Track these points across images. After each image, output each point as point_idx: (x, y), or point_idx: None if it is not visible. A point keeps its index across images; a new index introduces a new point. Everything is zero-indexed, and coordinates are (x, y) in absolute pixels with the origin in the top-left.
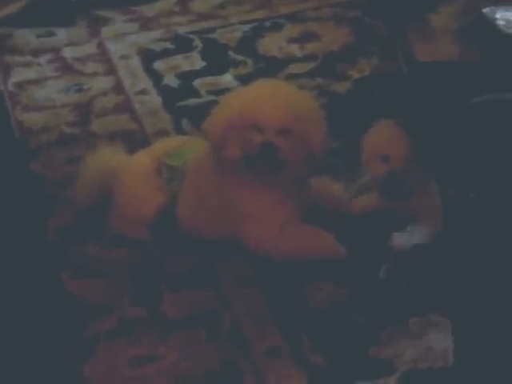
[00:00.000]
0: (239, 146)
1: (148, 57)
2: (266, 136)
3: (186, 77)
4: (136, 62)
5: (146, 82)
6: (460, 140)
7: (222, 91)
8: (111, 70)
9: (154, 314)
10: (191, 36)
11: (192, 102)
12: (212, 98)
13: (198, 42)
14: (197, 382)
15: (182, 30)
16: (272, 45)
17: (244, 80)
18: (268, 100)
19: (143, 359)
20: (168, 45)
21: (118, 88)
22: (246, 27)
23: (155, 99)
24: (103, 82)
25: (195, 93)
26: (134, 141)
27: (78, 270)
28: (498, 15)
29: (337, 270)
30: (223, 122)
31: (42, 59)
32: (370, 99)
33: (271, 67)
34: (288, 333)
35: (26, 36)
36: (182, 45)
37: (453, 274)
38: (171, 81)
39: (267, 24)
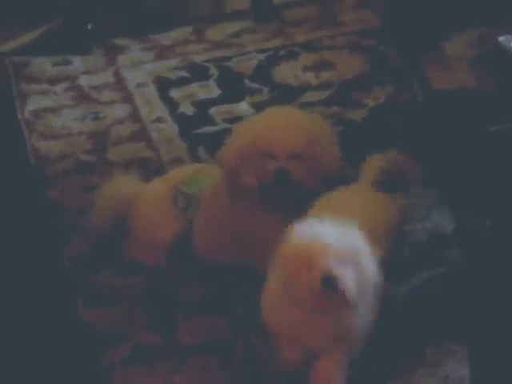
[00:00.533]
0: (253, 174)
1: (164, 85)
2: (279, 162)
3: (202, 105)
4: (152, 91)
5: (161, 110)
6: (476, 168)
7: (237, 119)
8: (127, 98)
9: (168, 342)
10: (207, 64)
11: (208, 129)
12: (228, 126)
13: (213, 71)
14: None
15: (197, 59)
16: (287, 73)
17: (260, 108)
18: (279, 126)
19: None
20: (184, 73)
21: (134, 116)
22: (262, 56)
23: (171, 127)
24: (119, 110)
25: (211, 121)
26: (150, 169)
27: (93, 298)
28: None
29: None
30: (237, 152)
31: (59, 87)
32: (385, 127)
33: (287, 95)
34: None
35: (43, 64)
36: (198, 73)
37: (469, 303)
38: (187, 109)
39: (283, 52)
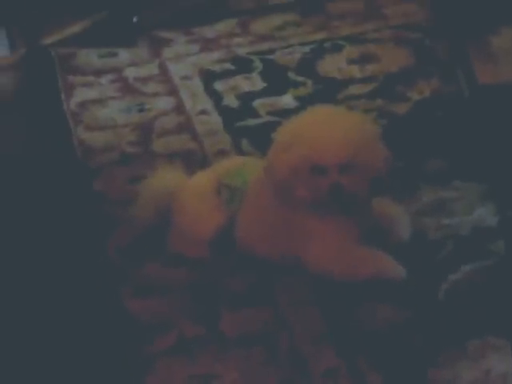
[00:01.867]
0: (306, 187)
1: (208, 77)
2: (330, 177)
3: (246, 97)
4: (197, 83)
5: (206, 103)
6: None
7: (281, 112)
8: (172, 91)
9: (212, 333)
10: (251, 57)
11: (252, 122)
12: (272, 118)
13: (258, 63)
14: None
15: (242, 51)
16: (332, 66)
17: (303, 101)
18: (327, 137)
19: (202, 377)
20: (228, 66)
21: (179, 108)
22: (306, 48)
23: (215, 119)
24: (164, 103)
25: (255, 113)
26: (194, 161)
27: (137, 288)
28: None
29: (396, 292)
30: (287, 166)
31: (104, 79)
32: (430, 121)
33: (331, 88)
34: (346, 354)
35: (89, 56)
36: (242, 66)
37: None
38: (231, 101)
39: (327, 45)
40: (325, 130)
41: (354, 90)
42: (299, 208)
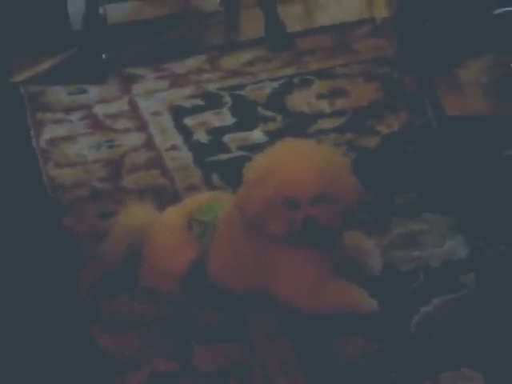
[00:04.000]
0: (279, 222)
1: (178, 113)
2: (303, 210)
3: (216, 132)
4: (167, 119)
5: (176, 138)
6: (490, 193)
7: (251, 147)
8: (142, 127)
9: (185, 368)
10: (221, 92)
11: (222, 157)
12: (242, 153)
13: (227, 99)
14: None
15: (211, 87)
16: (301, 101)
17: (273, 136)
18: (298, 170)
19: None
20: (198, 101)
21: (149, 144)
22: (275, 84)
23: (186, 155)
24: (134, 138)
25: (225, 148)
26: (165, 196)
27: (108, 324)
28: None
29: (369, 324)
30: (258, 201)
31: (74, 116)
32: (399, 154)
33: (300, 123)
34: None
35: (58, 93)
36: (212, 101)
37: (485, 328)
38: (201, 136)
39: (296, 80)
40: (296, 163)
41: (324, 124)
42: (271, 241)
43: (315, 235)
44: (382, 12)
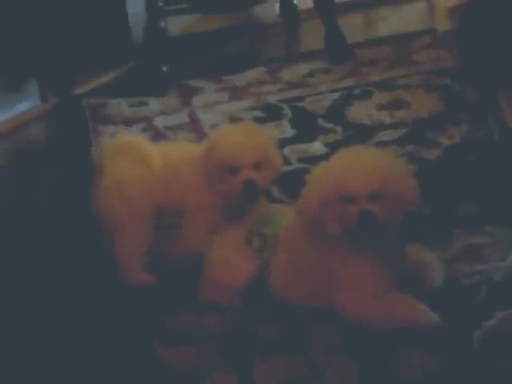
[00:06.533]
0: (337, 220)
1: None
2: (360, 205)
3: (276, 145)
4: None
5: None
6: None
7: (311, 159)
8: (202, 139)
9: (245, 382)
10: (281, 104)
11: (282, 169)
12: (302, 165)
13: (287, 111)
14: None
15: (271, 99)
16: (361, 112)
17: (333, 147)
18: (355, 168)
19: None
20: (258, 113)
21: None
22: (335, 95)
23: None
24: None
25: (285, 160)
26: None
27: (169, 337)
28: None
29: (430, 339)
30: (317, 200)
31: (135, 128)
32: (461, 166)
33: (360, 135)
34: None
35: (119, 106)
36: (272, 113)
37: None
38: None
39: (356, 92)
40: (355, 163)
41: (384, 135)
42: (332, 249)
43: (371, 232)
44: (442, 24)
